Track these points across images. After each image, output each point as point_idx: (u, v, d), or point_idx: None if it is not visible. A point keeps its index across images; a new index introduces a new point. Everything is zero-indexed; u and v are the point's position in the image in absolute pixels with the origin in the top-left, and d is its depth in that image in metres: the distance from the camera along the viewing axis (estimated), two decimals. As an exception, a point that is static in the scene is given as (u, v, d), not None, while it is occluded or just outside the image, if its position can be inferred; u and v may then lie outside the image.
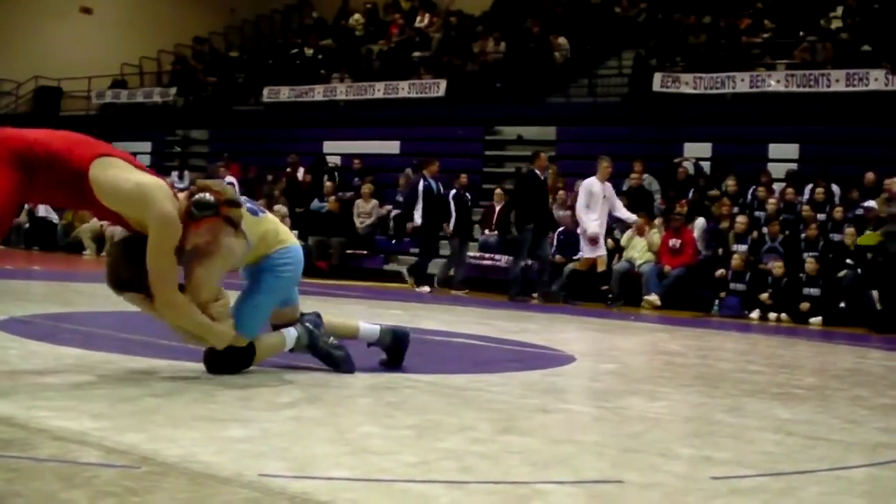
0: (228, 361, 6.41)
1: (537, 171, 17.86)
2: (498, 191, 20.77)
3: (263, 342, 6.58)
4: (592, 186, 17.18)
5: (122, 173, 5.85)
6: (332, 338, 6.76)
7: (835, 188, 18.42)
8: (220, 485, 3.90)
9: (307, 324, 6.73)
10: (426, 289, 18.55)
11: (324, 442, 4.78)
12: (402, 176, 22.32)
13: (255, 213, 6.44)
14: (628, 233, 18.22)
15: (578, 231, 17.54)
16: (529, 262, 17.99)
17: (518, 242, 17.80)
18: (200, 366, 6.68)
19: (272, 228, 6.53)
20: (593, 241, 17.11)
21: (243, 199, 6.45)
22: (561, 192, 19.90)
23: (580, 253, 17.65)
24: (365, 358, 6.92)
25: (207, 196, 5.99)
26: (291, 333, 6.67)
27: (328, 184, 22.90)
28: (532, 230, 17.44)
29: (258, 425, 5.05)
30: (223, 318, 6.23)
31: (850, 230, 16.41)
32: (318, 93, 27.27)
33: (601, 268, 17.36)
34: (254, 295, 6.48)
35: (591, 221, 17.02)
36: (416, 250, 19.83)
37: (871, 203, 17.00)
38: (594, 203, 17.07)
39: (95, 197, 5.79)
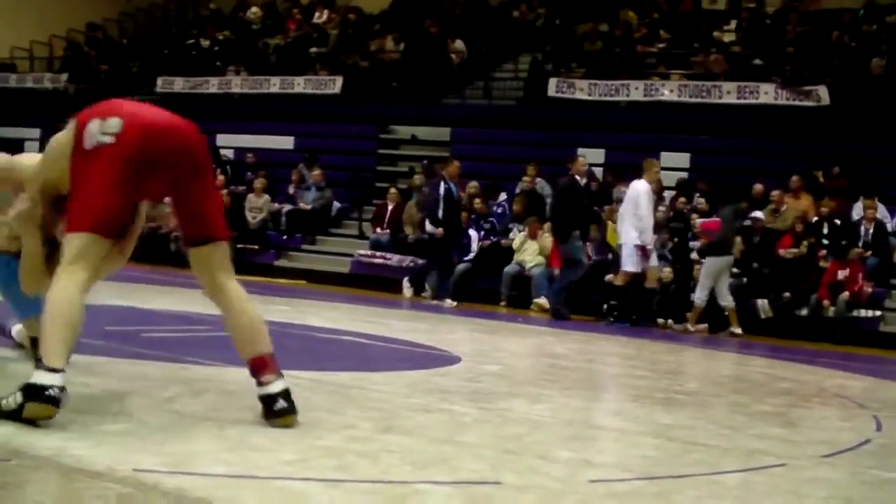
0: None
1: (577, 177, 16.91)
2: (392, 190, 20.74)
3: None
4: (644, 190, 15.57)
5: None
6: None
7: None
8: (92, 479, 3.83)
9: None
10: (451, 303, 16.72)
11: (203, 437, 4.73)
12: (295, 172, 22.18)
13: None
14: (520, 236, 18.27)
15: (622, 241, 15.65)
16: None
17: (570, 256, 16.17)
18: (80, 357, 6.55)
19: None
20: (643, 251, 15.50)
21: None
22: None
23: (623, 266, 15.60)
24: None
25: None
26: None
27: (220, 177, 22.65)
28: (578, 238, 16.16)
29: (137, 419, 4.98)
30: None
31: (737, 240, 16.65)
32: (212, 85, 26.95)
33: (651, 283, 15.86)
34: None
35: (648, 230, 15.44)
36: (422, 260, 18.12)
37: (759, 214, 17.27)
38: (645, 209, 15.44)
39: None
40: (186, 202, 5.34)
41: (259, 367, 5.19)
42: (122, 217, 5.20)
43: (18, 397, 4.60)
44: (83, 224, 5.06)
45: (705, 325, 15.75)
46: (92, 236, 5.03)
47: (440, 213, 17.13)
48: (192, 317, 9.45)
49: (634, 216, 15.36)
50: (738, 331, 15.37)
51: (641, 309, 15.79)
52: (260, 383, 5.18)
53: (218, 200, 5.63)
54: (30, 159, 6.03)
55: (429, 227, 17.36)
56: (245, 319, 5.27)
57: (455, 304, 16.73)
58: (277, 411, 5.10)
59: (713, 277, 15.49)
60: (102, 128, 5.25)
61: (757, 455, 5.63)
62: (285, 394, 5.14)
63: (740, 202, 16.73)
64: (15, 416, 4.57)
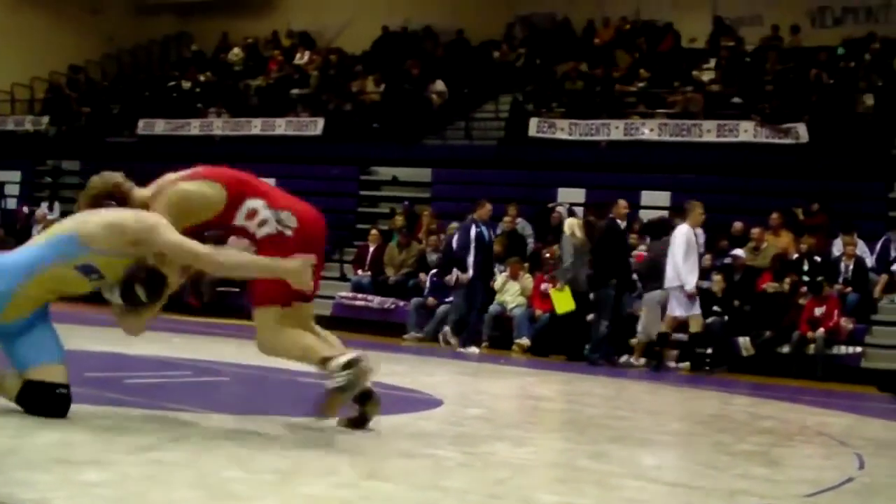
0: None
1: (618, 221, 16.71)
2: (373, 231, 20.75)
3: None
4: (689, 234, 15.32)
5: None
6: None
7: (700, 235, 18.66)
8: (73, 531, 3.81)
9: None
10: (475, 350, 16.52)
11: (184, 486, 4.70)
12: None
13: None
14: (501, 277, 18.27)
15: (667, 286, 15.37)
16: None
17: (601, 300, 15.83)
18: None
19: None
20: (692, 297, 15.32)
21: None
22: (432, 237, 19.89)
23: (670, 310, 15.44)
24: (230, 399, 6.83)
25: None
26: None
27: (202, 220, 22.63)
28: (615, 286, 15.83)
29: (117, 469, 4.95)
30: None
31: (717, 277, 16.71)
32: (194, 127, 26.97)
33: (696, 329, 15.57)
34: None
35: (690, 275, 15.15)
36: (451, 302, 17.45)
37: (739, 252, 17.34)
38: (690, 253, 15.22)
39: None
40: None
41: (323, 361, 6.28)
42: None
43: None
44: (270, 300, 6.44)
45: (687, 364, 15.79)
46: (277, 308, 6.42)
47: (471, 257, 16.67)
48: (174, 363, 9.43)
49: (682, 260, 15.07)
50: (639, 362, 15.72)
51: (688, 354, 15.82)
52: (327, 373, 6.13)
53: None
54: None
55: (461, 273, 16.77)
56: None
57: (478, 350, 16.53)
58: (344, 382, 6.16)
59: (654, 310, 15.75)
60: (278, 217, 6.39)
61: (740, 495, 5.63)
62: (351, 360, 6.23)
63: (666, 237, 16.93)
64: None
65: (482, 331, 17.29)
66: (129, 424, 6.22)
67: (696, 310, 15.46)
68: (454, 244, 17.28)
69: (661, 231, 16.61)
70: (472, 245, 16.70)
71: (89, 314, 7.13)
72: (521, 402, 10.18)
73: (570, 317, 16.58)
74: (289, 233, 6.08)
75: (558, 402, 10.21)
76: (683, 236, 15.18)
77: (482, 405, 9.00)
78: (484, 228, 16.98)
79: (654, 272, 15.77)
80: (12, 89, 31.18)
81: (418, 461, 5.77)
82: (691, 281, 15.16)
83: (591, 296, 16.10)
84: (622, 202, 17.10)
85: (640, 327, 15.93)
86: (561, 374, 13.91)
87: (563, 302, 16.64)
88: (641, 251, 17.38)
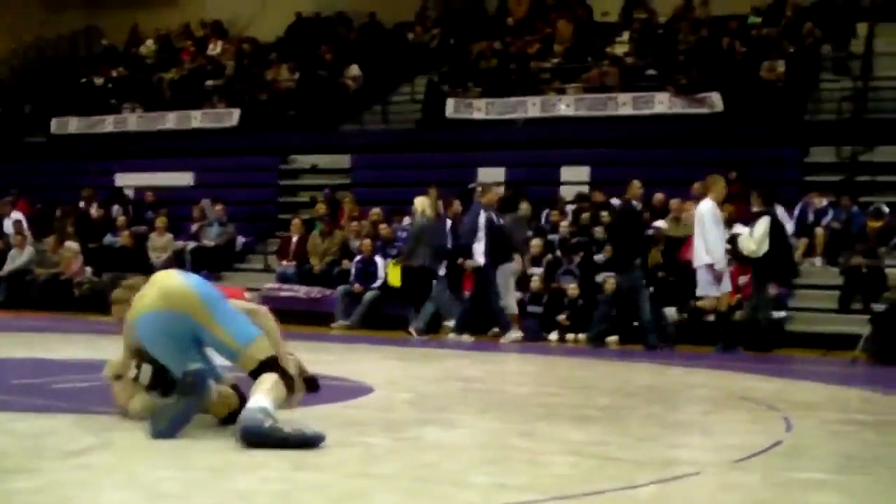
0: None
1: (634, 202, 16.58)
2: (295, 221, 20.65)
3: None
4: (714, 210, 14.82)
5: None
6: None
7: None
8: (1, 541, 3.77)
9: None
10: (468, 338, 15.95)
11: (115, 489, 4.67)
12: (196, 208, 21.98)
13: None
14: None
15: (695, 264, 14.92)
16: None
17: (633, 284, 15.48)
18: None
19: None
20: (719, 276, 14.85)
21: None
22: (355, 224, 19.86)
23: (701, 289, 14.95)
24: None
25: None
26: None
27: (121, 218, 22.42)
28: (639, 266, 15.66)
29: (47, 475, 4.90)
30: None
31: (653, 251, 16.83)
32: (108, 123, 26.66)
33: (724, 307, 15.16)
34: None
35: (718, 251, 14.70)
36: (467, 294, 16.78)
37: (661, 223, 17.46)
38: (716, 229, 14.81)
39: None
40: None
41: None
42: None
43: None
44: None
45: (616, 337, 15.87)
46: None
47: (483, 244, 15.98)
48: (101, 364, 9.31)
49: (700, 237, 14.71)
50: (517, 335, 15.97)
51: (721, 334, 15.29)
52: None
53: None
54: None
55: (472, 259, 16.12)
56: None
57: (473, 338, 15.98)
58: None
59: (508, 281, 16.36)
60: None
61: (671, 465, 5.69)
62: None
63: (518, 212, 17.66)
64: None
65: (503, 320, 16.30)
66: (58, 429, 6.16)
67: (726, 287, 15.05)
68: (459, 231, 16.85)
69: (512, 207, 17.50)
70: (483, 231, 16.05)
71: (8, 320, 7.04)
72: (451, 384, 10.17)
73: (396, 291, 17.66)
74: None
75: (488, 382, 10.23)
76: (710, 212, 14.72)
77: (412, 390, 8.98)
78: (493, 214, 16.36)
79: (507, 248, 16.33)
80: (-82, 91, 30.62)
81: (348, 450, 5.76)
82: (720, 257, 14.75)
83: (616, 280, 15.82)
84: (636, 182, 16.78)
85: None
86: (491, 353, 13.95)
87: (393, 276, 17.87)
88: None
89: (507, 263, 16.20)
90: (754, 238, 15.18)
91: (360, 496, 4.68)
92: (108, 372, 6.65)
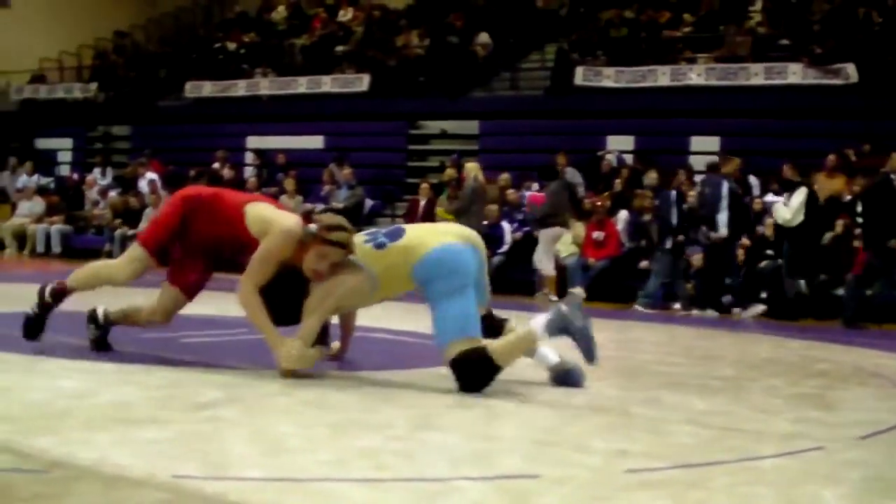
0: (470, 377, 6.48)
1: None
2: (424, 185, 20.75)
3: (496, 345, 6.62)
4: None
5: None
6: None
7: (753, 180, 18.58)
8: (132, 488, 3.89)
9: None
10: (712, 312, 15.53)
11: (240, 442, 4.78)
12: (326, 171, 22.23)
13: (381, 247, 6.69)
14: (553, 227, 18.25)
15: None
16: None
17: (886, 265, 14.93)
18: (118, 366, 6.64)
19: (400, 254, 6.66)
20: None
21: (375, 230, 6.98)
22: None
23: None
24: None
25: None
26: (538, 322, 6.80)
27: (252, 179, 22.78)
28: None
29: (174, 426, 5.03)
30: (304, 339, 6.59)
31: (769, 221, 16.56)
32: (240, 87, 27.05)
33: None
34: (432, 309, 6.61)
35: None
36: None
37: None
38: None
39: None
40: None
41: None
42: None
43: None
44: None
45: (739, 309, 15.70)
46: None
47: (725, 215, 15.66)
48: (227, 321, 9.51)
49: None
50: (554, 297, 15.98)
51: None
52: None
53: None
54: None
55: (713, 231, 15.78)
56: None
57: (717, 314, 15.50)
58: None
59: (549, 245, 16.78)
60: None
61: (793, 439, 5.63)
62: None
63: (562, 177, 17.82)
64: None
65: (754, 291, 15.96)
66: (186, 383, 6.31)
67: None
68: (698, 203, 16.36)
69: (556, 174, 17.81)
70: (726, 202, 15.70)
71: (143, 276, 7.22)
72: (574, 350, 10.17)
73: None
74: None
75: (610, 349, 10.19)
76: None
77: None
78: (735, 184, 16.19)
79: (552, 213, 16.95)
80: (60, 57, 31.39)
81: (470, 411, 5.82)
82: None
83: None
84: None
85: (543, 264, 16.86)
86: (613, 321, 13.89)
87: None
88: (539, 193, 18.56)
89: (552, 228, 16.81)
90: (790, 208, 15.40)
91: (481, 458, 4.73)
92: None
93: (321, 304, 6.58)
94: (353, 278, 6.61)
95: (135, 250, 7.21)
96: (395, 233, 6.78)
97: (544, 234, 16.90)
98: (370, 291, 6.68)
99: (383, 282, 6.63)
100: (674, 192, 16.40)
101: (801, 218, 15.37)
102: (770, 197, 17.27)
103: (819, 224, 15.84)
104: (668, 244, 16.34)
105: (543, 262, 16.89)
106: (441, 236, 6.75)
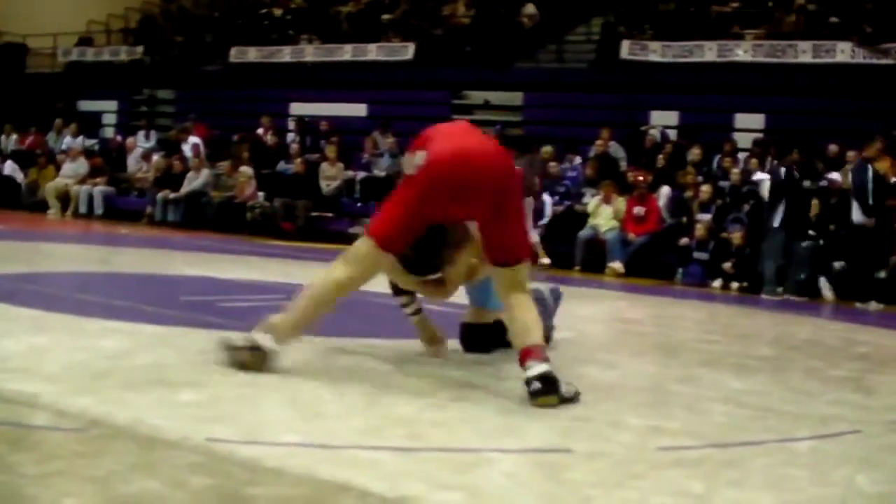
0: (481, 341, 6.84)
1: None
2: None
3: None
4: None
5: None
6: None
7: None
8: (167, 449, 3.92)
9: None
10: (876, 305, 14.49)
11: (275, 407, 4.80)
12: (368, 139, 22.24)
13: None
14: (594, 200, 18.22)
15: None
16: None
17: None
18: (156, 328, 6.68)
19: None
20: None
21: None
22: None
23: None
24: (322, 322, 6.86)
25: None
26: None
27: (295, 145, 22.84)
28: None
29: (210, 390, 5.06)
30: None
31: (814, 202, 16.44)
32: (285, 54, 27.09)
33: None
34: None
35: None
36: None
37: (835, 175, 17.05)
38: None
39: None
40: (490, 228, 5.81)
41: (524, 356, 5.55)
42: (404, 236, 5.83)
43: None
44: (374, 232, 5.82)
45: (780, 289, 15.60)
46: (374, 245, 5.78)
47: (869, 200, 14.86)
48: (267, 286, 9.56)
49: None
50: (546, 261, 15.63)
51: None
52: (523, 369, 5.50)
53: (521, 224, 6.12)
54: None
55: (857, 217, 14.94)
56: (519, 323, 5.73)
57: (881, 306, 14.46)
58: (532, 392, 5.38)
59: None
60: (413, 161, 5.88)
61: (830, 421, 5.60)
62: (542, 377, 5.40)
63: (534, 153, 17.08)
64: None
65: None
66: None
67: None
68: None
69: (527, 148, 16.98)
70: (870, 186, 14.90)
71: (183, 239, 7.26)
72: (611, 325, 10.17)
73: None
74: (412, 172, 5.83)
75: (649, 325, 10.19)
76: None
77: (573, 328, 8.98)
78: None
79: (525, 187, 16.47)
80: (108, 20, 31.53)
81: (506, 384, 5.82)
82: None
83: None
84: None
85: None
86: (653, 297, 13.87)
87: None
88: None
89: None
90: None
91: (515, 431, 4.73)
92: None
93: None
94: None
95: None
96: None
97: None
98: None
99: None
100: (870, 169, 15.12)
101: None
102: (757, 175, 17.21)
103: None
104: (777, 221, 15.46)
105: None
106: None
